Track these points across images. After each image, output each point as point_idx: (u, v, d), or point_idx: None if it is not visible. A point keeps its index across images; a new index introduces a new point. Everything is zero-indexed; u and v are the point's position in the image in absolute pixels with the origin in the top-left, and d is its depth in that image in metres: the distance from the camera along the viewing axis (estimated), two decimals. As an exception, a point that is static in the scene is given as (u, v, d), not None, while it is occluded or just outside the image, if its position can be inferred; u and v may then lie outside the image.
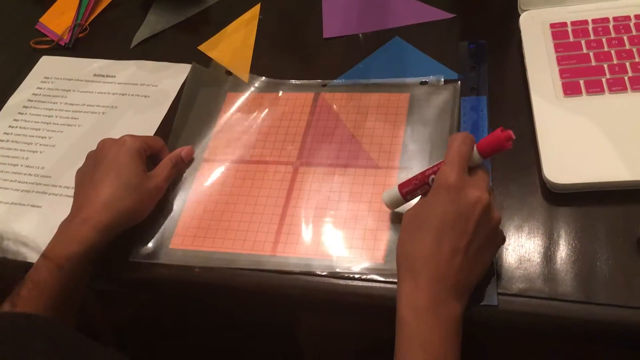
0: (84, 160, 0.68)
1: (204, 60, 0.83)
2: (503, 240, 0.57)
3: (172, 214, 0.67)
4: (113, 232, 0.61)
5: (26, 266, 0.60)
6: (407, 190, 0.59)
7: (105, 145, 0.66)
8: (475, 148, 0.55)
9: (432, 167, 0.57)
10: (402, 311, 0.51)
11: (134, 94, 0.81)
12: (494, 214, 0.53)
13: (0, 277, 0.66)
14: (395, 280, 0.54)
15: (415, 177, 0.59)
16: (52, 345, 0.45)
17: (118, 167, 0.63)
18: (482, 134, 0.66)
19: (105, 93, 0.82)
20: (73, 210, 0.63)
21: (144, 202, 0.64)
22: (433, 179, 0.55)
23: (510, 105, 0.69)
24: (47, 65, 0.88)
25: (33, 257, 0.64)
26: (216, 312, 0.69)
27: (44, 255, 0.59)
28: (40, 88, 0.85)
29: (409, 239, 0.54)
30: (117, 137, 0.67)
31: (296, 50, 0.83)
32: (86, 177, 0.65)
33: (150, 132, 0.76)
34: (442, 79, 0.72)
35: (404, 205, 0.61)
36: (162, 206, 0.67)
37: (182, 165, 0.70)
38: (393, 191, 0.61)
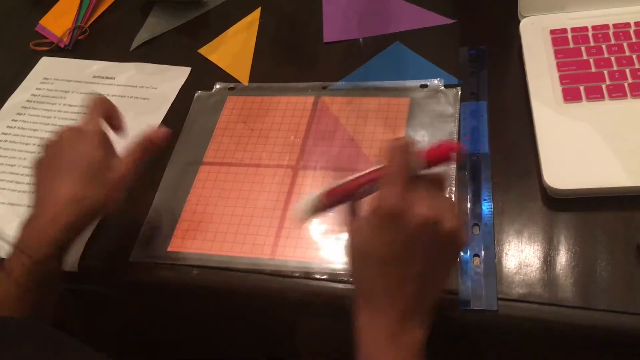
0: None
1: (204, 63, 0.83)
2: (462, 245, 0.50)
3: (171, 216, 0.67)
4: (80, 229, 0.60)
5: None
6: (335, 200, 0.52)
7: (64, 134, 0.62)
8: (420, 156, 0.49)
9: (365, 174, 0.50)
10: (365, 348, 0.49)
11: (133, 96, 0.81)
12: (443, 227, 0.47)
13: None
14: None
15: (345, 185, 0.51)
16: (42, 349, 0.45)
17: (80, 158, 0.60)
18: (482, 139, 0.66)
19: (104, 95, 0.82)
20: (36, 207, 0.60)
21: (110, 193, 0.60)
22: (366, 189, 0.50)
23: (510, 110, 0.69)
24: (47, 66, 0.88)
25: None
26: (214, 314, 0.69)
27: (17, 255, 0.57)
28: (40, 89, 0.85)
29: (359, 274, 0.51)
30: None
31: (296, 55, 0.83)
32: (48, 171, 0.61)
33: (150, 134, 0.75)
34: (442, 83, 0.73)
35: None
36: (161, 208, 0.67)
37: (153, 148, 0.63)
38: (312, 199, 0.52)
